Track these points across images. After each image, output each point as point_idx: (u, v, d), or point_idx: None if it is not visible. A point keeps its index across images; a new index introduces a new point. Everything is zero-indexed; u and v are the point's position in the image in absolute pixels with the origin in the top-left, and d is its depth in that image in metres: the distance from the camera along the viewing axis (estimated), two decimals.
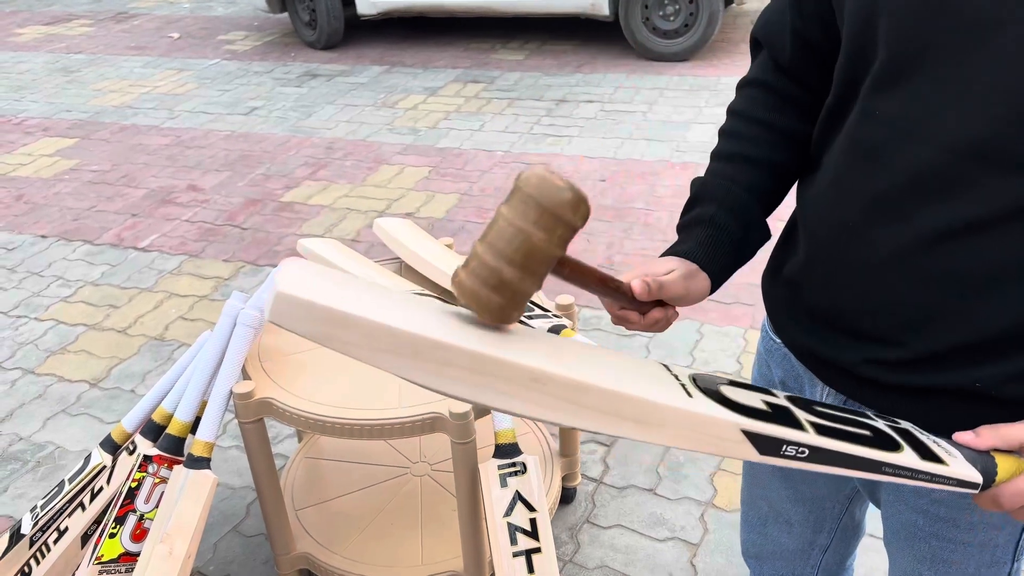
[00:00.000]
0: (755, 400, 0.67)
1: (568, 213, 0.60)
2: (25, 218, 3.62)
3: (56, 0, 8.14)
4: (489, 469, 1.51)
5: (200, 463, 1.51)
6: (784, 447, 0.63)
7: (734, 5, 5.14)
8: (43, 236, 3.45)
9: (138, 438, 1.60)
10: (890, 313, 0.76)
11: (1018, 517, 0.71)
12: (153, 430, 1.60)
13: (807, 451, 0.63)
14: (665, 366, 0.71)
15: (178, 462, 1.55)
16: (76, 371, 2.58)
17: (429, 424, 1.47)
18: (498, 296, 0.60)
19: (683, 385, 0.65)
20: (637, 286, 0.77)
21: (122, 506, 1.51)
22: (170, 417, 1.60)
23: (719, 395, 0.65)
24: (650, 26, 5.09)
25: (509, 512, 1.47)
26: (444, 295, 1.77)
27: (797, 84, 0.89)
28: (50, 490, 1.82)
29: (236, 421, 2.26)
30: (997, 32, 0.64)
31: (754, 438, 0.62)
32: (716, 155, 0.92)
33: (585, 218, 0.62)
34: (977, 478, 0.67)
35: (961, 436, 0.71)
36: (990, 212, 0.68)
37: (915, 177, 0.70)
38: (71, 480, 1.66)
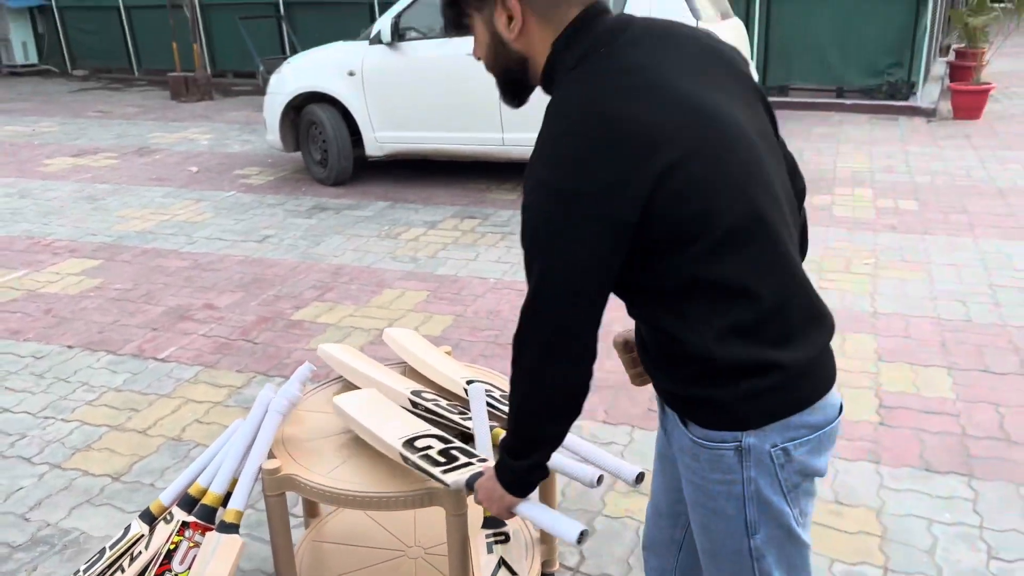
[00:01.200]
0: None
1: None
2: (53, 330, 3.93)
3: (82, 135, 8.77)
4: (477, 537, 1.76)
5: (231, 529, 1.76)
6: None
7: None
8: (69, 346, 3.75)
9: (175, 509, 1.85)
10: (647, 365, 1.35)
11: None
12: (189, 502, 1.86)
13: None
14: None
15: (210, 529, 1.80)
16: (100, 466, 2.82)
17: (428, 498, 1.73)
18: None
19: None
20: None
21: (160, 565, 1.74)
22: (204, 491, 1.86)
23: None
24: None
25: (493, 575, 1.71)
26: (440, 392, 2.07)
27: None
28: (91, 556, 2.04)
29: (248, 512, 2.50)
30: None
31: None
32: None
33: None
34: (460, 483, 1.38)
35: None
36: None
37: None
38: (111, 547, 1.89)
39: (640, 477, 1.72)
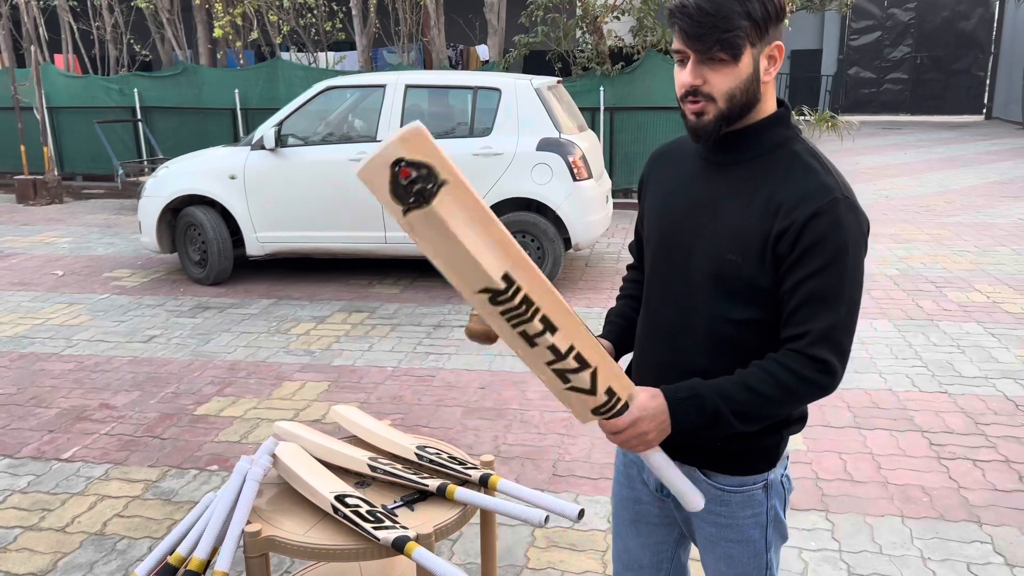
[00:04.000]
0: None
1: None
2: None
3: None
4: None
5: None
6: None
7: (572, 250, 6.27)
8: None
9: None
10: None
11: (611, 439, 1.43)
12: (168, 571, 1.99)
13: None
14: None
15: None
16: (21, 566, 2.79)
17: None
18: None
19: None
20: None
21: None
22: (183, 560, 2.00)
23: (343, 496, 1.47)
24: None
25: None
26: (392, 458, 2.33)
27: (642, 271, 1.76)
28: None
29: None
30: (692, 254, 1.49)
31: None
32: (618, 297, 1.79)
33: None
34: (631, 390, 1.43)
35: None
36: (704, 340, 1.49)
37: (668, 322, 1.54)
38: None
39: (581, 513, 2.04)
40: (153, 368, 4.67)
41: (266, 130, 6.24)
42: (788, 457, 1.59)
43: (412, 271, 6.79)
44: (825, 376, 1.38)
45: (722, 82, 1.38)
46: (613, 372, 1.39)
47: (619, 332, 1.71)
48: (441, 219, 1.21)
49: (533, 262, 1.31)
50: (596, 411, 1.41)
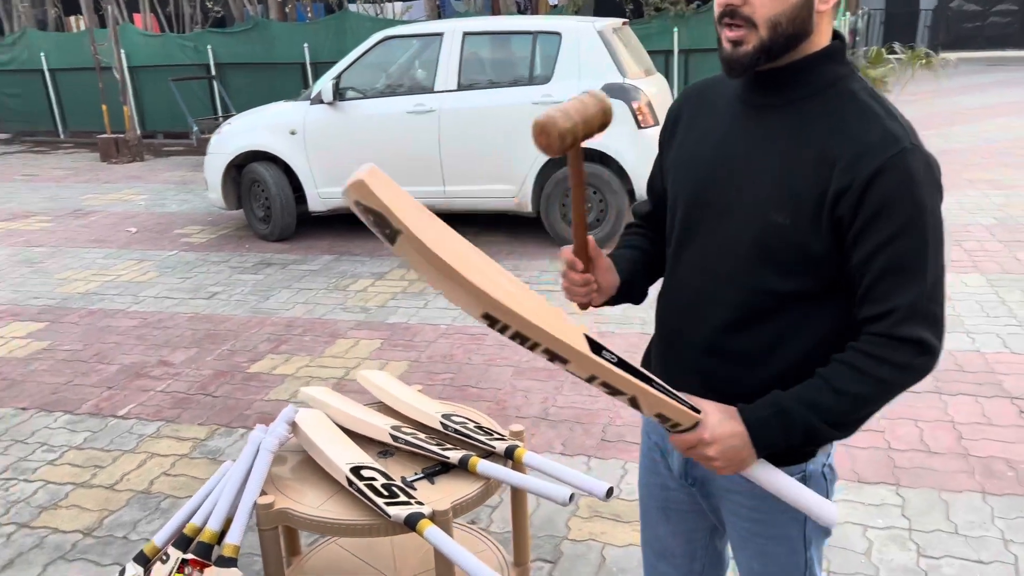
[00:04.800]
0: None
1: (608, 109, 1.21)
2: (4, 393, 3.91)
3: (11, 199, 8.63)
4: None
5: (229, 563, 1.86)
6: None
7: (636, 202, 6.03)
8: (23, 408, 3.74)
9: (170, 549, 1.94)
10: (695, 378, 1.33)
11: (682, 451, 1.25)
12: (184, 542, 1.95)
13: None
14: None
15: (208, 565, 1.89)
16: (69, 523, 2.84)
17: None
18: (568, 123, 1.15)
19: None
20: (590, 238, 1.35)
21: None
22: (198, 530, 1.96)
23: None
24: (567, 220, 5.89)
25: None
26: (417, 427, 2.22)
27: (650, 230, 1.54)
28: None
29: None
30: (729, 214, 1.26)
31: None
32: (619, 246, 1.55)
33: (610, 120, 1.22)
34: (696, 416, 1.21)
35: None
36: (742, 316, 1.27)
37: (699, 295, 1.30)
38: None
39: (610, 491, 1.89)
40: (212, 325, 4.71)
41: (324, 83, 6.16)
42: (833, 444, 1.39)
43: (474, 226, 6.66)
44: (923, 357, 1.18)
45: (766, 4, 1.17)
46: (658, 400, 1.18)
47: (625, 270, 1.46)
48: (410, 260, 1.09)
49: (522, 298, 1.10)
50: (659, 419, 1.23)
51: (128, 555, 2.63)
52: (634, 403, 1.19)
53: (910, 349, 1.17)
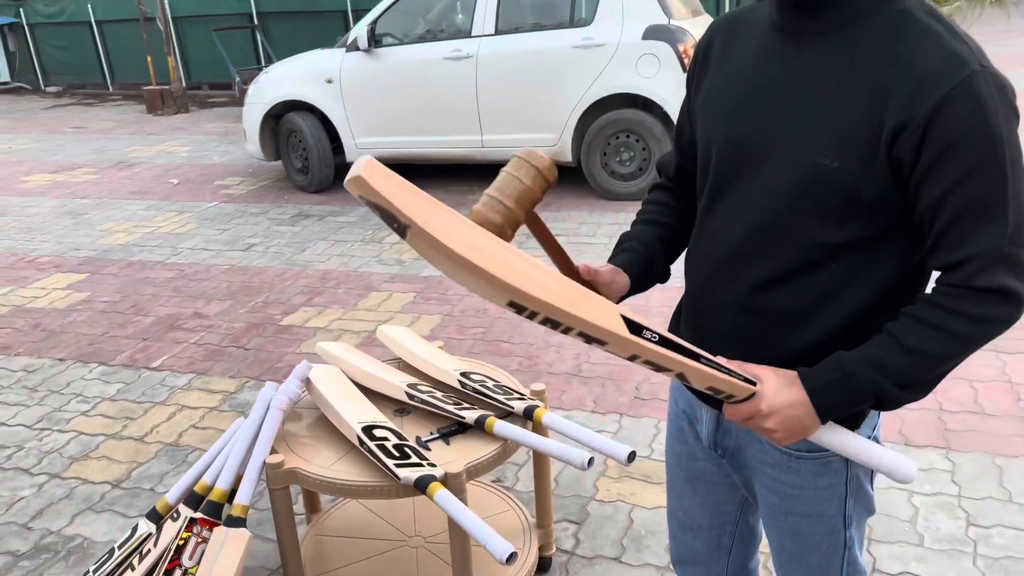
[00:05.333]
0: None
1: (546, 170, 1.13)
2: (43, 344, 3.95)
3: (60, 151, 8.75)
4: None
5: (238, 523, 1.81)
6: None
7: None
8: (61, 359, 3.78)
9: (181, 507, 1.90)
10: (729, 342, 1.18)
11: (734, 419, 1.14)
12: (195, 500, 1.91)
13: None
14: None
15: (218, 524, 1.85)
16: (99, 474, 2.85)
17: None
18: (498, 217, 1.11)
19: None
20: (581, 265, 1.24)
21: (170, 561, 1.79)
22: (209, 488, 1.91)
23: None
24: (608, 170, 5.70)
25: None
26: (435, 385, 2.14)
27: (680, 188, 1.38)
28: (101, 556, 2.08)
29: (251, 512, 2.55)
30: (769, 158, 1.11)
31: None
32: (637, 221, 1.41)
33: (555, 176, 1.15)
34: (751, 388, 1.09)
35: (719, 359, 1.11)
36: (782, 271, 1.12)
37: (734, 249, 1.16)
38: (120, 547, 1.94)
39: (632, 456, 1.79)
40: (248, 277, 4.70)
41: (360, 30, 6.02)
42: (879, 414, 1.25)
43: None
44: (1007, 307, 1.04)
45: None
46: (708, 375, 1.07)
47: (636, 262, 1.32)
48: (423, 253, 0.98)
49: (548, 282, 0.99)
50: (711, 391, 1.12)
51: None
52: (682, 377, 1.08)
53: (992, 300, 1.03)
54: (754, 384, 1.09)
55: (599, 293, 1.24)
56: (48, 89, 13.71)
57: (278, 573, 2.29)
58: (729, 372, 1.07)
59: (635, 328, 1.01)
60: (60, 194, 6.91)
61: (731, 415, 1.13)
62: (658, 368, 1.06)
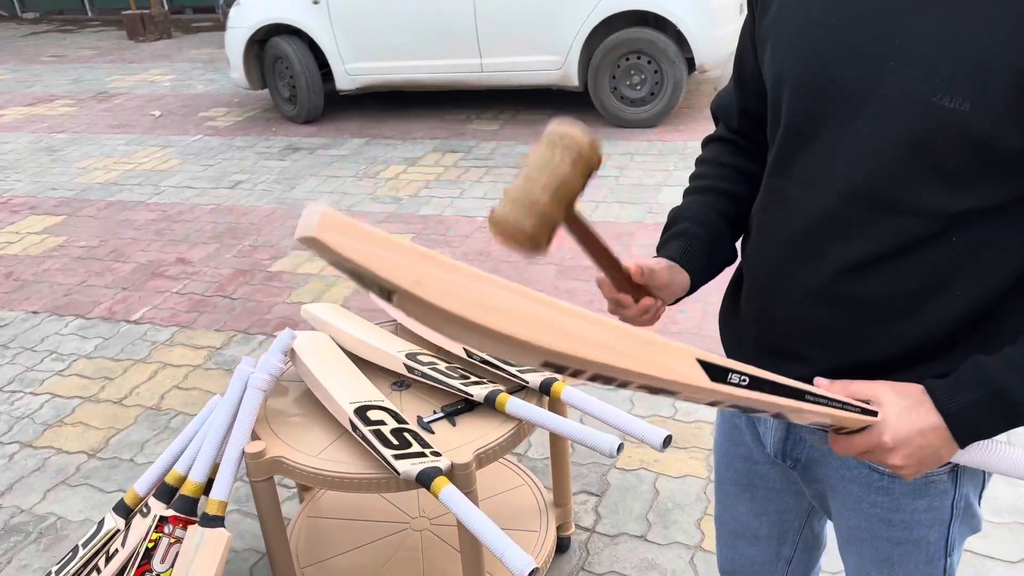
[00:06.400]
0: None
1: (587, 150, 0.77)
2: (16, 295, 3.69)
3: (36, 81, 8.31)
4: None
5: (215, 521, 1.58)
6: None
7: (696, 72, 5.41)
8: (35, 312, 3.52)
9: (151, 500, 1.67)
10: (807, 339, 0.91)
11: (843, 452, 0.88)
12: (167, 492, 1.67)
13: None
14: None
15: (192, 522, 1.62)
16: (74, 443, 2.63)
17: None
18: (530, 223, 0.77)
19: None
20: (632, 266, 0.93)
21: (139, 567, 1.57)
22: (183, 479, 1.68)
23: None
24: (618, 95, 5.33)
25: None
26: (439, 353, 1.88)
27: (747, 140, 1.07)
28: (64, 555, 1.86)
29: (237, 485, 2.33)
30: (868, 100, 0.81)
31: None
32: (689, 191, 1.09)
33: (599, 159, 0.80)
34: (870, 420, 0.82)
35: (819, 381, 0.86)
36: (881, 249, 0.83)
37: (817, 221, 0.87)
38: (84, 545, 1.71)
39: (668, 440, 1.55)
40: (234, 218, 4.40)
41: None
42: None
43: (513, 103, 6.13)
44: None
45: None
46: (817, 412, 0.81)
47: (695, 252, 1.02)
48: (417, 318, 0.65)
49: (590, 331, 0.66)
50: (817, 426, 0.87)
51: (133, 480, 2.41)
52: (779, 416, 0.82)
53: None
54: (875, 415, 0.82)
55: (654, 298, 0.97)
56: (25, 15, 13.09)
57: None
58: (843, 405, 0.80)
59: (718, 374, 0.73)
60: (36, 129, 6.53)
61: (843, 450, 0.86)
62: (747, 411, 0.79)
